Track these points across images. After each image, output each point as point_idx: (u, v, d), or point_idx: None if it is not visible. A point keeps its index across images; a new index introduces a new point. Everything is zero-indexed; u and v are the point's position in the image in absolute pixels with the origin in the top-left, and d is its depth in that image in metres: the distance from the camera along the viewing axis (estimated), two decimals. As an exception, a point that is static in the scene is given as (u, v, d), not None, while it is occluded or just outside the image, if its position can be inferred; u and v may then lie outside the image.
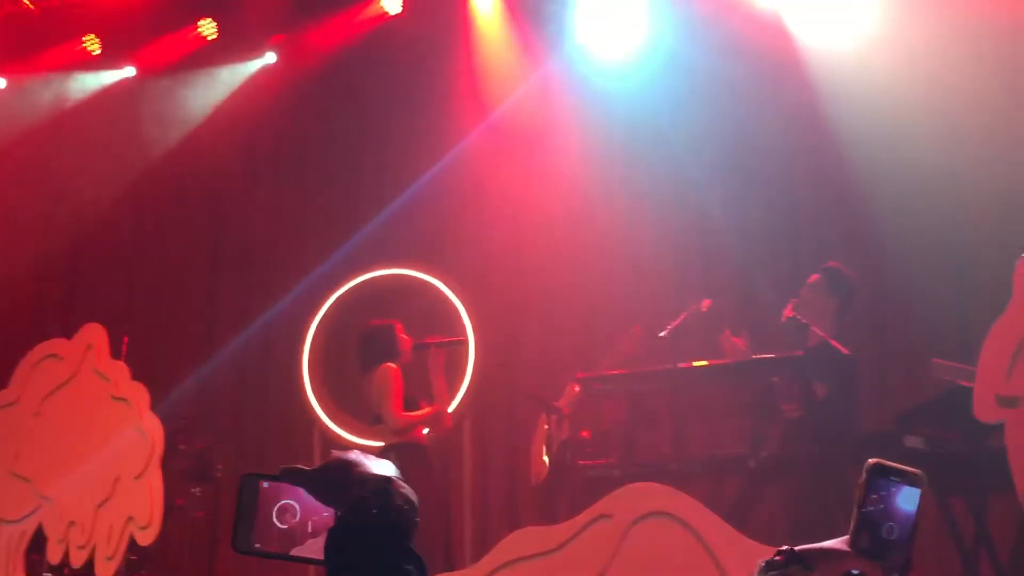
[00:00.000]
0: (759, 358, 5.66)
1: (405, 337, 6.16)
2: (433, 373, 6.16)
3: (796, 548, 1.59)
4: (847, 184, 6.89)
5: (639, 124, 7.45)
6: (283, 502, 1.62)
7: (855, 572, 1.58)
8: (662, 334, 5.74)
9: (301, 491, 1.60)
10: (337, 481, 1.55)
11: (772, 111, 7.20)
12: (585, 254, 7.42)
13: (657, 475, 5.38)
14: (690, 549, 4.42)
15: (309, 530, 1.60)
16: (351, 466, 1.56)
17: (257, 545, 1.62)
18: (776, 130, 7.22)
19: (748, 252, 7.11)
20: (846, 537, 1.59)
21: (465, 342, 6.44)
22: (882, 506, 1.58)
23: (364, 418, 6.75)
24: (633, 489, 4.81)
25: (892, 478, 1.59)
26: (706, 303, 5.92)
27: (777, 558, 1.58)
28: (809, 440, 5.52)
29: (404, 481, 1.57)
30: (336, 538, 1.52)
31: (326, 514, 1.58)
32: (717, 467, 5.96)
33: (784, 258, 7.00)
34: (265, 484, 1.62)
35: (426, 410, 6.07)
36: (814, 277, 5.79)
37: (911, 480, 1.59)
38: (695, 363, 5.65)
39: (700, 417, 5.95)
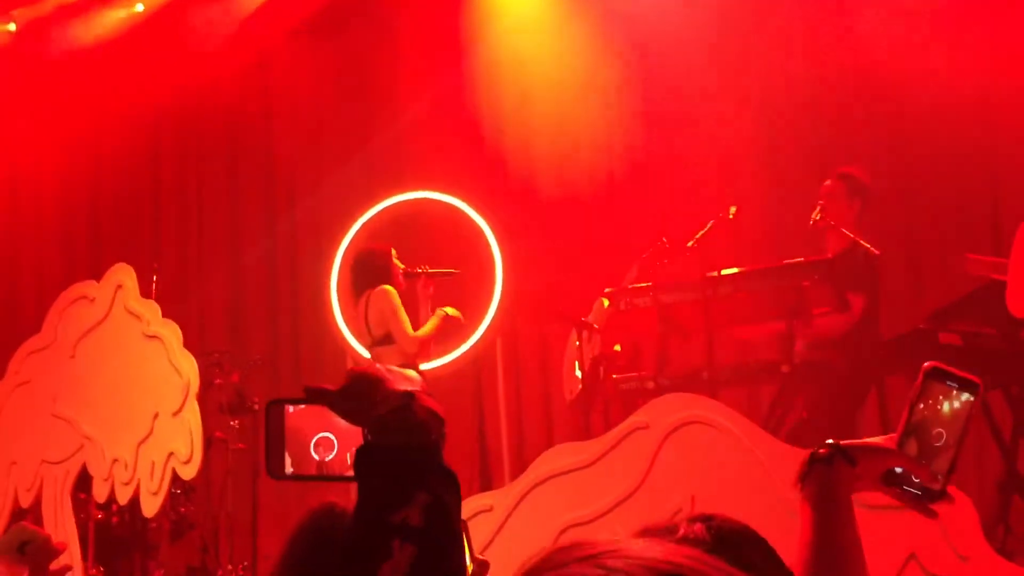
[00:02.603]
0: (788, 263, 5.62)
1: (397, 263, 6.13)
2: (422, 302, 6.14)
3: (842, 442, 1.58)
4: (873, 85, 6.79)
5: (655, 38, 7.34)
6: (320, 435, 1.60)
7: (898, 469, 1.57)
8: (689, 244, 5.70)
9: (336, 420, 1.57)
10: (360, 399, 1.52)
11: (797, 18, 7.08)
12: (607, 169, 7.36)
13: (691, 385, 5.38)
14: (729, 451, 4.42)
15: (348, 461, 1.57)
16: (374, 382, 1.52)
17: (290, 470, 1.61)
18: (800, 31, 7.10)
19: (774, 158, 7.04)
20: (893, 435, 1.59)
21: (456, 273, 6.33)
22: (934, 409, 1.57)
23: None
24: (667, 399, 4.81)
25: (948, 383, 1.58)
26: (732, 210, 5.86)
27: (821, 451, 1.57)
28: (842, 343, 5.50)
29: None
30: (363, 458, 1.50)
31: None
32: (750, 374, 5.95)
33: (812, 161, 6.92)
34: (291, 408, 1.61)
35: (434, 323, 6.04)
36: (829, 183, 5.73)
37: (968, 387, 1.58)
38: (724, 271, 5.61)
39: (731, 325, 5.91)
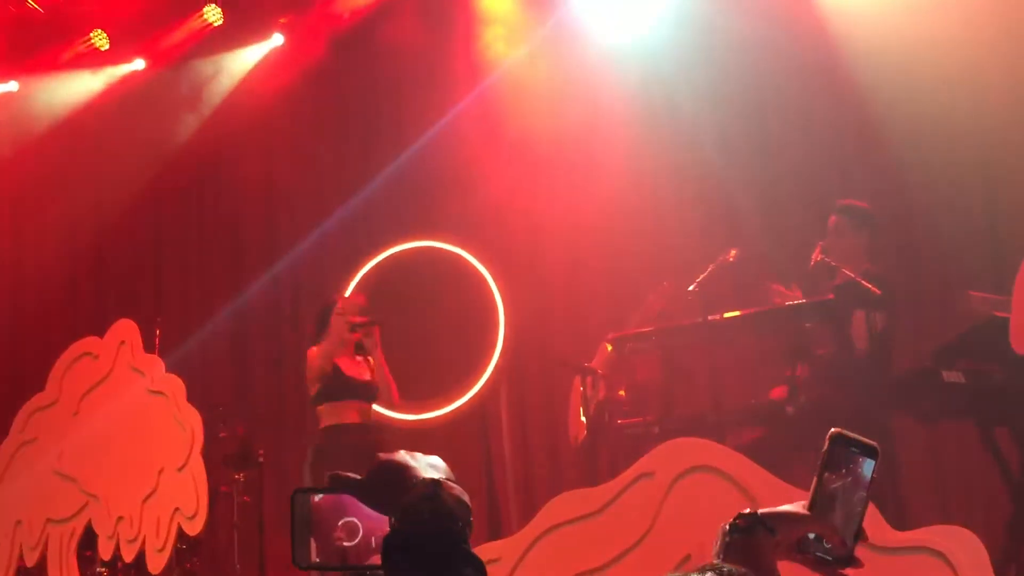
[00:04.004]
0: (790, 304, 5.62)
1: (341, 316, 6.04)
2: (370, 351, 6.09)
3: (758, 512, 1.61)
4: (869, 125, 6.81)
5: (654, 81, 7.38)
6: (345, 520, 1.60)
7: (811, 535, 1.61)
8: (691, 288, 5.70)
9: (361, 507, 1.57)
10: (387, 487, 1.52)
11: (788, 56, 7.12)
12: (608, 214, 7.38)
13: (696, 429, 5.36)
14: (734, 502, 4.40)
15: (373, 545, 1.58)
16: (400, 470, 1.53)
17: (317, 559, 1.61)
18: (794, 70, 7.14)
19: (772, 199, 7.05)
20: (805, 501, 1.63)
21: (375, 324, 6.10)
22: (841, 474, 1.63)
23: (400, 392, 6.78)
24: (673, 445, 4.78)
25: (852, 448, 1.64)
26: (733, 253, 5.87)
27: (739, 522, 1.59)
28: (846, 383, 5.49)
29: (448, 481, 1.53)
30: (391, 546, 1.49)
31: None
32: (755, 417, 5.93)
33: (811, 202, 6.94)
34: (317, 498, 1.62)
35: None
36: (833, 219, 5.74)
37: (868, 451, 1.64)
38: (726, 314, 5.61)
39: (735, 368, 5.91)
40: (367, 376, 6.03)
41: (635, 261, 7.17)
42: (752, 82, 7.23)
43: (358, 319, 6.03)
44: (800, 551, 1.62)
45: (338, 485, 1.58)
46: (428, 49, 8.09)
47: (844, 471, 1.63)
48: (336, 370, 5.93)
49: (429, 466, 1.55)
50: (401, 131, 8.21)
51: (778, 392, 5.77)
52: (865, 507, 1.62)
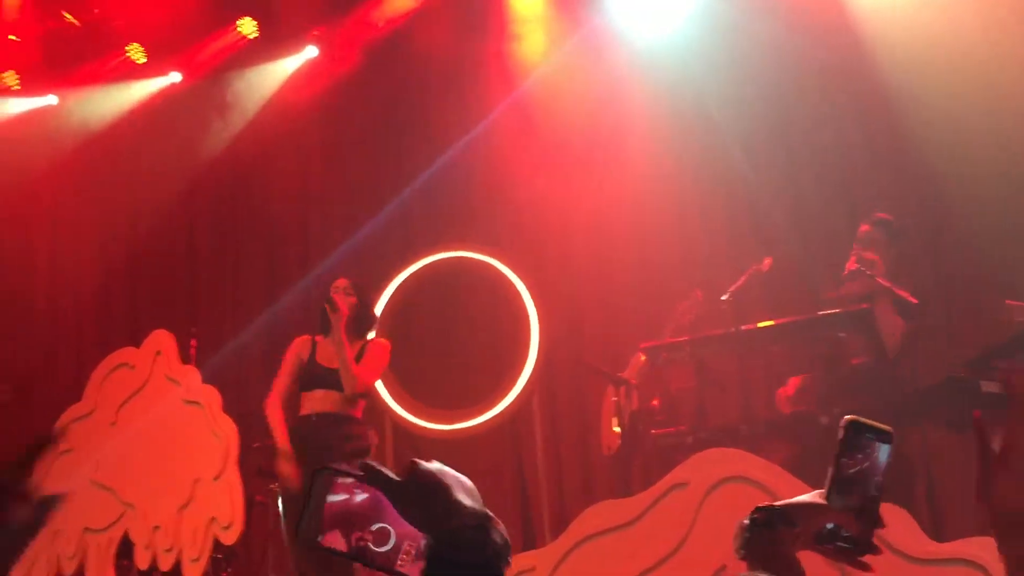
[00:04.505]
0: (824, 314, 5.60)
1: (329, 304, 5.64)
2: (333, 328, 5.60)
3: (776, 504, 1.60)
4: (899, 128, 6.75)
5: (684, 84, 7.36)
6: (379, 525, 1.54)
7: (830, 525, 1.61)
8: (724, 297, 5.69)
9: (397, 516, 1.51)
10: (426, 503, 1.46)
11: (816, 59, 7.08)
12: (638, 220, 7.37)
13: (729, 439, 5.35)
14: (769, 510, 4.38)
15: (410, 556, 1.52)
16: (443, 490, 1.47)
17: (325, 541, 1.56)
18: (823, 73, 7.11)
19: (801, 205, 7.02)
20: (822, 491, 1.62)
21: (336, 312, 5.55)
22: (857, 459, 1.63)
23: (433, 403, 6.80)
24: (706, 455, 4.77)
25: (867, 435, 1.64)
26: (767, 262, 5.86)
27: (758, 516, 1.59)
28: (881, 392, 5.46)
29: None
30: (434, 570, 1.43)
31: (423, 543, 1.49)
32: (789, 427, 5.91)
33: (841, 207, 6.90)
34: (340, 480, 1.56)
35: None
36: (865, 228, 5.71)
37: (883, 436, 1.64)
38: (760, 324, 5.59)
39: (769, 377, 5.88)
40: (336, 363, 5.58)
41: (667, 271, 7.16)
42: (780, 87, 7.19)
43: (330, 297, 5.65)
44: (819, 542, 1.61)
45: (371, 477, 1.52)
46: (460, 57, 8.12)
47: (861, 456, 1.63)
48: (311, 358, 5.65)
49: (463, 489, 1.50)
50: (434, 139, 8.23)
51: (812, 402, 5.74)
52: (881, 493, 1.62)
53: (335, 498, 1.57)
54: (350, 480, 1.56)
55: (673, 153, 7.38)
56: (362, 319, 5.68)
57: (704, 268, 6.73)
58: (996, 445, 1.55)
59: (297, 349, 5.70)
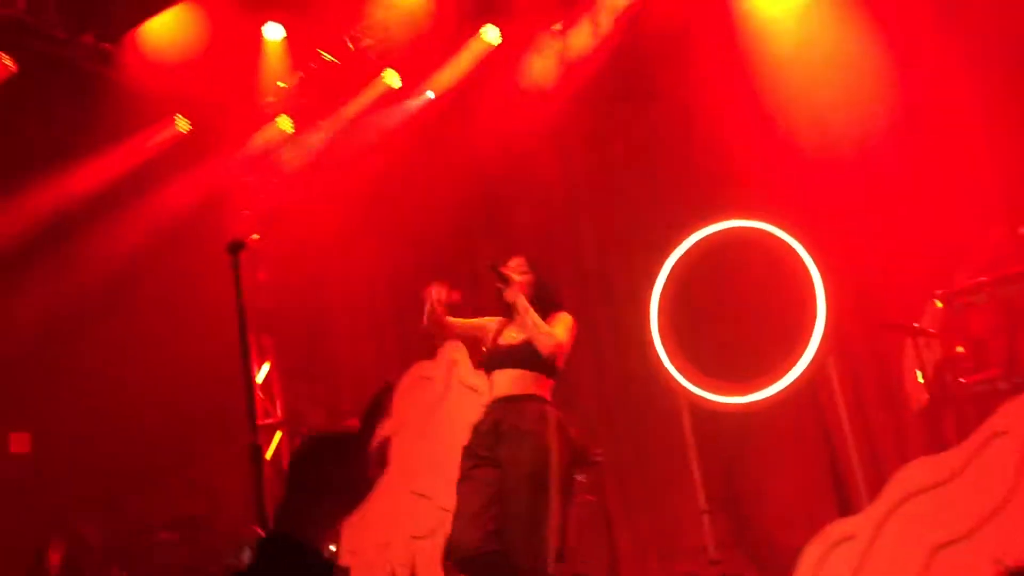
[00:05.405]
0: None
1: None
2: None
3: None
4: None
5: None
6: None
7: None
8: (1023, 229, 5.35)
9: None
10: None
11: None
12: (914, 163, 7.03)
13: (1048, 379, 5.03)
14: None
15: None
16: None
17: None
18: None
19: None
20: None
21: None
22: None
23: (725, 376, 6.72)
24: (1024, 400, 4.51)
25: None
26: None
27: None
28: None
29: None
30: None
31: None
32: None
33: None
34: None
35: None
36: None
37: None
38: (1066, 254, 5.22)
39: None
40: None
41: (952, 209, 6.78)
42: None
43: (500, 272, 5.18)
44: None
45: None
46: (700, 20, 8.02)
47: None
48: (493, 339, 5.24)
49: None
50: (691, 112, 8.12)
51: None
52: None
53: None
54: None
55: (944, 97, 6.96)
56: (541, 297, 5.15)
57: (999, 203, 6.32)
58: None
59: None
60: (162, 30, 8.67)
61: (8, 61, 8.59)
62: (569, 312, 5.04)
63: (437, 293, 5.08)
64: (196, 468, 9.57)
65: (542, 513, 4.55)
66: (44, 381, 8.87)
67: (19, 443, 9.09)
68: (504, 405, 4.88)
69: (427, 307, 5.07)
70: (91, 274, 9.02)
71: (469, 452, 4.85)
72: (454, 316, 5.20)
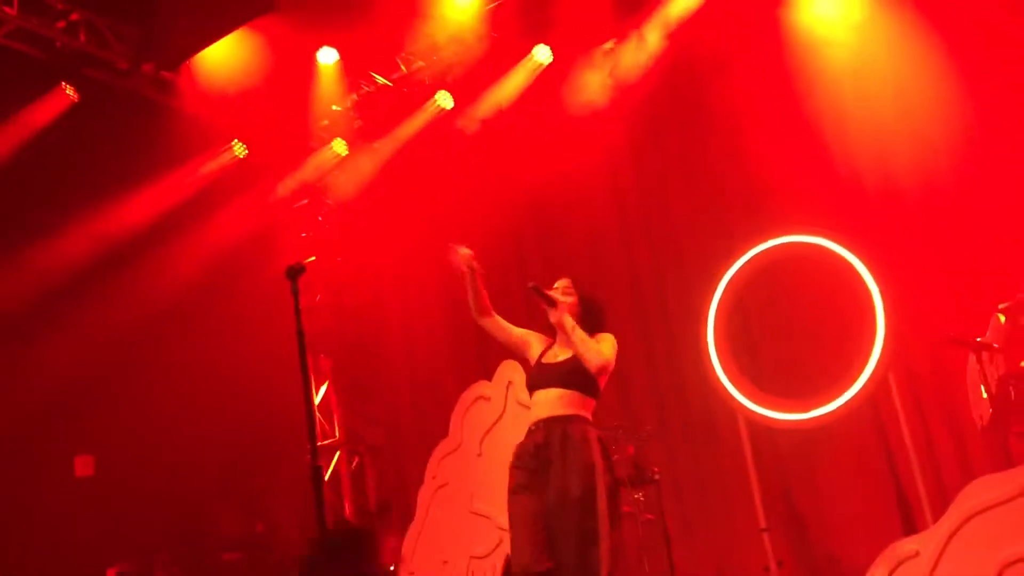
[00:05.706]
0: None
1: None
2: None
3: None
4: None
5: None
6: None
7: None
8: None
9: None
10: None
11: None
12: (974, 176, 6.94)
13: (1118, 394, 4.93)
14: None
15: None
16: None
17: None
18: None
19: None
20: None
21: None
22: None
23: (783, 393, 6.65)
24: (1096, 413, 4.43)
25: None
26: None
27: None
28: None
29: None
30: None
31: None
32: None
33: None
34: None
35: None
36: None
37: None
38: None
39: None
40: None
41: (1011, 222, 6.69)
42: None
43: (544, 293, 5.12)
44: None
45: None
46: (755, 36, 7.99)
47: None
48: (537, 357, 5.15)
49: None
50: (744, 128, 8.08)
51: None
52: None
53: None
54: None
55: (993, 111, 6.87)
56: (586, 318, 5.03)
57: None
58: None
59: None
60: (219, 58, 8.80)
61: (70, 91, 8.77)
62: (613, 333, 4.95)
63: (464, 253, 5.05)
64: (254, 489, 9.67)
65: (592, 536, 4.51)
66: (108, 406, 9.01)
67: (84, 466, 9.24)
68: (549, 425, 4.80)
69: (464, 268, 5.04)
70: (153, 299, 9.16)
71: (516, 472, 4.77)
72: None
